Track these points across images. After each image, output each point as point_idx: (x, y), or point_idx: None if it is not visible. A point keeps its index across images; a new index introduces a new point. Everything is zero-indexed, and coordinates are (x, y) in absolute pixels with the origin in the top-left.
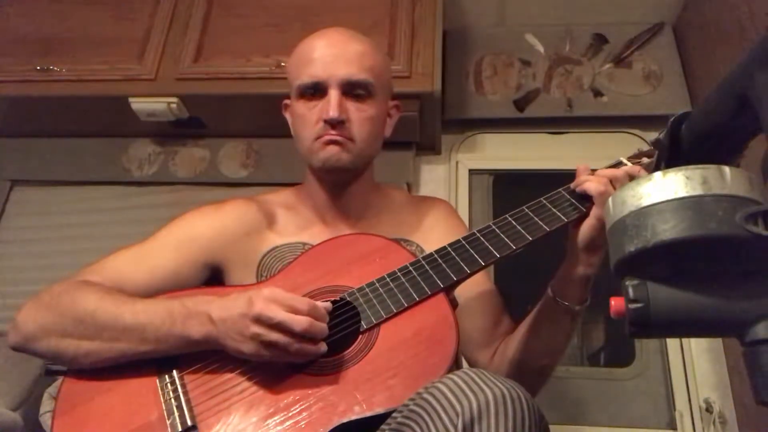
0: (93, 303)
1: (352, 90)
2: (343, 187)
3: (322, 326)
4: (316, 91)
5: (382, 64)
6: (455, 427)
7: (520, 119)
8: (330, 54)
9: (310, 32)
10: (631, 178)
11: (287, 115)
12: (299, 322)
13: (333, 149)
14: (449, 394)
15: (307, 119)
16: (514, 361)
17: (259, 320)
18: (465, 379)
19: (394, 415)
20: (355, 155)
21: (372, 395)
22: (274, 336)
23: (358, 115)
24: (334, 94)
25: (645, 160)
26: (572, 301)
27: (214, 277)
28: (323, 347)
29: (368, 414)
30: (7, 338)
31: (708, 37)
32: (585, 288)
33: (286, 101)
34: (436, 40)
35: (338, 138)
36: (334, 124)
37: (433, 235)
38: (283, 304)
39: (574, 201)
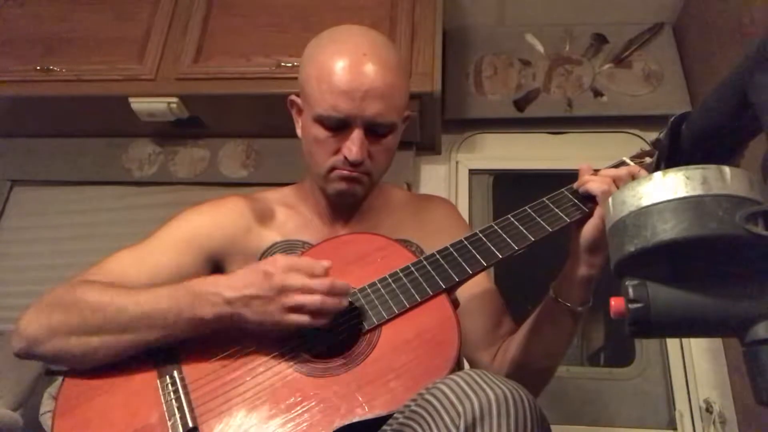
0: (96, 297)
1: (376, 128)
2: None
3: (343, 283)
4: (338, 121)
5: (407, 91)
6: (457, 428)
7: (520, 119)
8: (360, 90)
9: (311, 32)
10: (634, 178)
11: (294, 113)
12: (322, 282)
13: (348, 185)
14: (451, 395)
15: (324, 147)
16: (515, 362)
17: (282, 290)
18: (467, 380)
19: (395, 415)
20: (368, 187)
21: (374, 397)
22: (300, 299)
23: (378, 149)
24: (358, 135)
25: (647, 159)
26: (574, 302)
27: (214, 273)
28: (345, 302)
29: (370, 416)
30: (11, 346)
31: (708, 37)
32: (587, 289)
33: (293, 97)
34: (436, 40)
35: (355, 175)
36: (355, 164)
37: (434, 235)
38: (301, 270)
39: (576, 201)
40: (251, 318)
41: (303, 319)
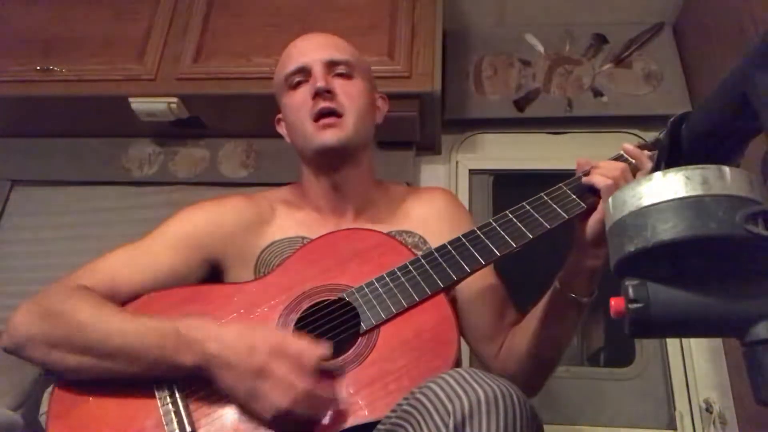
0: (83, 317)
1: (335, 68)
2: (341, 177)
3: (328, 394)
4: (302, 76)
5: (359, 56)
6: (446, 426)
7: (520, 119)
8: (309, 44)
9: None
10: (635, 174)
11: (280, 129)
12: (305, 381)
13: (329, 131)
14: (441, 394)
15: (296, 102)
16: (521, 354)
17: (259, 374)
18: (457, 379)
19: (388, 415)
20: (349, 131)
21: (374, 400)
22: (273, 395)
23: (345, 89)
24: (318, 70)
25: (645, 152)
26: (579, 293)
27: (213, 272)
28: (322, 414)
29: (372, 419)
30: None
31: (708, 37)
32: (592, 280)
33: (279, 116)
34: (436, 40)
35: (331, 107)
36: (323, 93)
37: (436, 224)
38: (289, 357)
39: (574, 197)
40: (222, 383)
41: (266, 414)
